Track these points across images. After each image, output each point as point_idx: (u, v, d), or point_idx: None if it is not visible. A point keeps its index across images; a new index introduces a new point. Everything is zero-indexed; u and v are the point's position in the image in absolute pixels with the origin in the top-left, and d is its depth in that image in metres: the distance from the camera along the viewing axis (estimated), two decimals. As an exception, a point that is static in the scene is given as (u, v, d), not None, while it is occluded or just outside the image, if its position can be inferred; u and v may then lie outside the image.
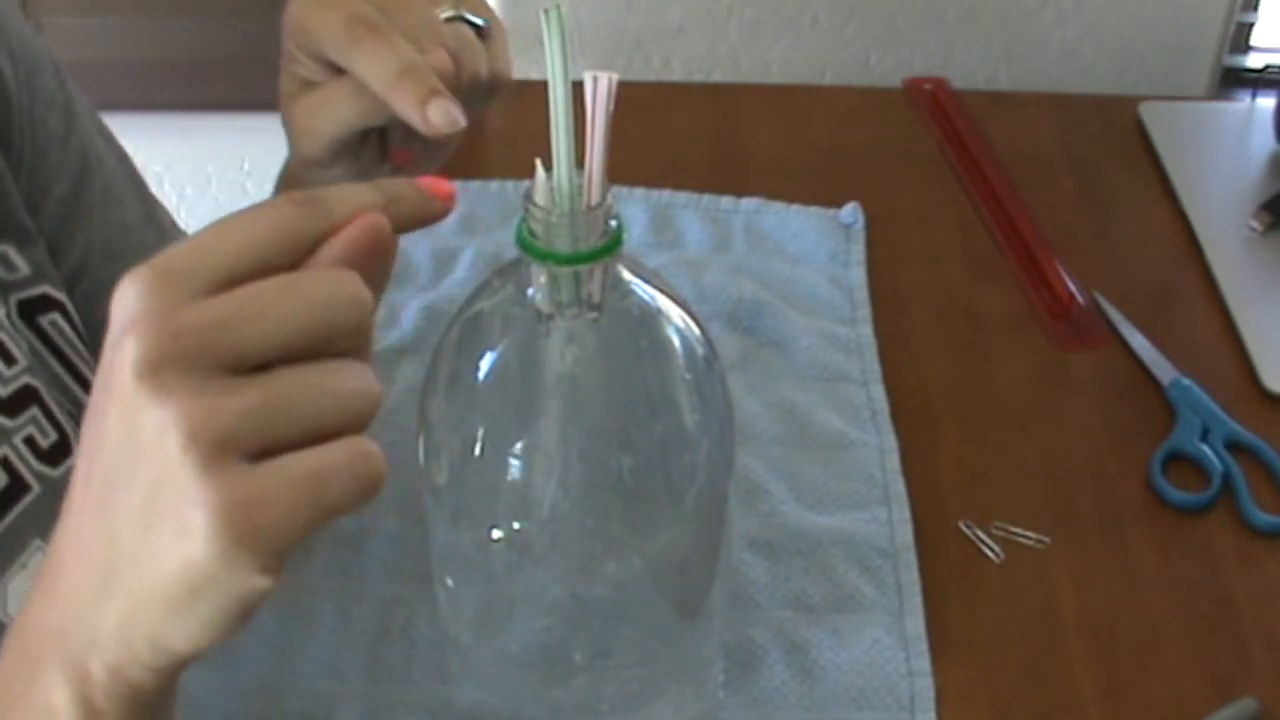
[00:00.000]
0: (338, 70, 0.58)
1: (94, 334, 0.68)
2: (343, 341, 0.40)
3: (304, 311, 0.39)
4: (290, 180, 0.67)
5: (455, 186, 0.45)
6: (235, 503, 0.37)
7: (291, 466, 0.38)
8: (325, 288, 0.40)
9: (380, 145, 0.63)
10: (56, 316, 0.65)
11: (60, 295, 0.65)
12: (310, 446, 0.39)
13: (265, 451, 0.38)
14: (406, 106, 0.54)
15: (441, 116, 0.54)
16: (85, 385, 0.65)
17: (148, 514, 0.38)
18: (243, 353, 0.38)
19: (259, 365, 0.39)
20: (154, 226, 0.73)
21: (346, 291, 0.40)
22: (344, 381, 0.40)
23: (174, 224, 0.76)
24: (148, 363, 0.37)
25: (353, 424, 0.40)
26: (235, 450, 0.37)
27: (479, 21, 0.59)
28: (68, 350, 0.65)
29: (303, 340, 0.39)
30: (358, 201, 0.42)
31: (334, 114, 0.59)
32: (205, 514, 0.37)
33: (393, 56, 0.54)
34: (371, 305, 0.40)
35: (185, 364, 0.37)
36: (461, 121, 0.54)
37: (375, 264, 0.42)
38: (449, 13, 0.58)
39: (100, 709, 0.41)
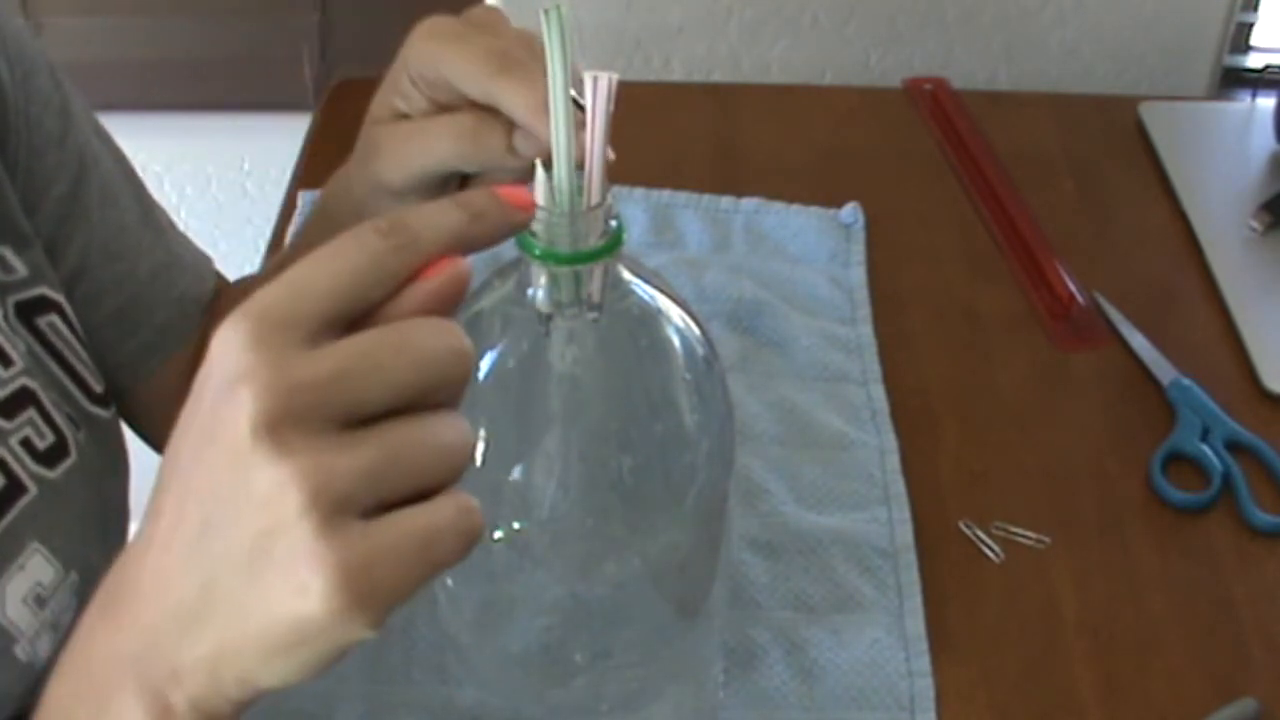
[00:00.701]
0: (442, 110, 0.59)
1: (92, 335, 0.68)
2: (442, 393, 0.40)
3: (414, 368, 0.39)
4: (336, 193, 0.67)
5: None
6: (353, 565, 0.37)
7: (405, 526, 0.39)
8: (432, 341, 0.40)
9: (459, 190, 0.63)
10: (55, 318, 0.65)
11: (58, 297, 0.65)
12: (414, 500, 0.39)
13: (374, 509, 0.39)
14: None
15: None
16: (83, 386, 0.65)
17: (255, 565, 0.38)
18: (356, 410, 0.39)
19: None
20: (151, 227, 0.73)
21: (451, 345, 0.40)
22: (444, 435, 0.40)
23: (172, 224, 0.76)
24: (265, 419, 0.37)
25: (451, 477, 0.40)
26: (351, 510, 0.38)
27: (582, 102, 0.60)
28: (66, 352, 0.65)
29: (408, 396, 0.39)
30: (442, 226, 0.42)
31: (430, 148, 0.59)
32: (324, 575, 0.37)
33: (541, 88, 0.54)
34: (473, 357, 0.41)
35: (302, 421, 0.38)
36: (610, 154, 0.53)
37: (453, 305, 0.42)
38: None
39: None
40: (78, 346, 0.66)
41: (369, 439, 0.39)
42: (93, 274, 0.69)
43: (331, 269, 0.40)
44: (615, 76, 0.47)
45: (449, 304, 0.42)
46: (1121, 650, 0.72)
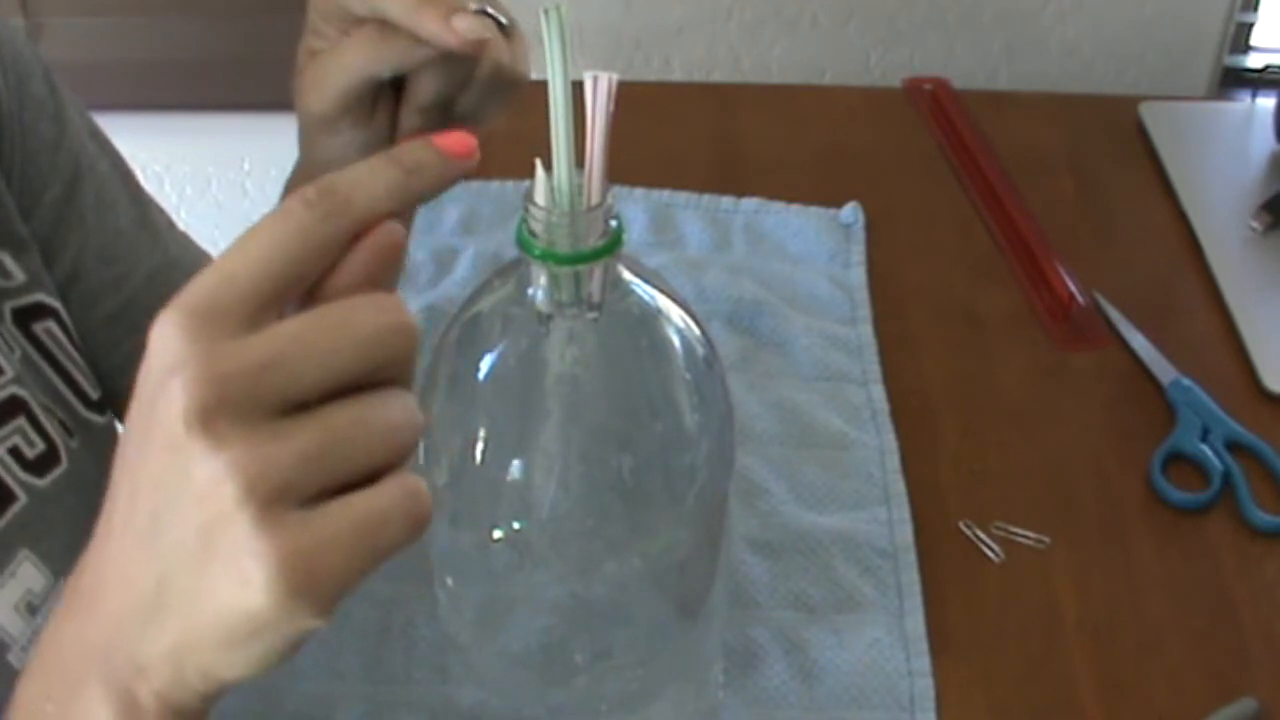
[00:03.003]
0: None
1: (89, 338, 0.68)
2: (388, 372, 0.39)
3: (351, 348, 0.38)
4: (301, 167, 0.68)
5: (474, 140, 0.44)
6: (293, 554, 0.37)
7: (346, 514, 0.38)
8: (372, 319, 0.39)
9: (391, 115, 0.63)
10: (51, 324, 0.65)
11: (55, 303, 0.65)
12: (358, 483, 0.38)
13: (318, 494, 0.38)
14: (431, 24, 0.55)
15: (467, 25, 0.55)
16: (79, 393, 0.65)
17: (202, 558, 0.38)
18: (291, 395, 0.38)
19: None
20: (149, 229, 0.73)
21: (392, 321, 0.39)
22: (390, 416, 0.39)
23: (171, 224, 0.76)
24: (197, 411, 0.37)
25: (399, 457, 0.39)
26: (290, 499, 0.37)
27: (502, 19, 0.60)
28: (62, 358, 0.65)
29: (350, 377, 0.39)
30: (375, 184, 0.41)
31: (344, 63, 0.60)
32: (264, 566, 0.36)
33: None
34: (419, 331, 0.40)
35: (235, 411, 0.37)
36: (487, 34, 0.55)
37: (392, 271, 0.41)
38: (475, 6, 0.59)
39: None
40: (74, 353, 0.66)
41: (307, 424, 0.38)
42: (88, 278, 0.69)
43: (258, 250, 0.39)
44: (615, 76, 0.47)
45: (386, 272, 0.41)
46: (1121, 650, 0.72)
